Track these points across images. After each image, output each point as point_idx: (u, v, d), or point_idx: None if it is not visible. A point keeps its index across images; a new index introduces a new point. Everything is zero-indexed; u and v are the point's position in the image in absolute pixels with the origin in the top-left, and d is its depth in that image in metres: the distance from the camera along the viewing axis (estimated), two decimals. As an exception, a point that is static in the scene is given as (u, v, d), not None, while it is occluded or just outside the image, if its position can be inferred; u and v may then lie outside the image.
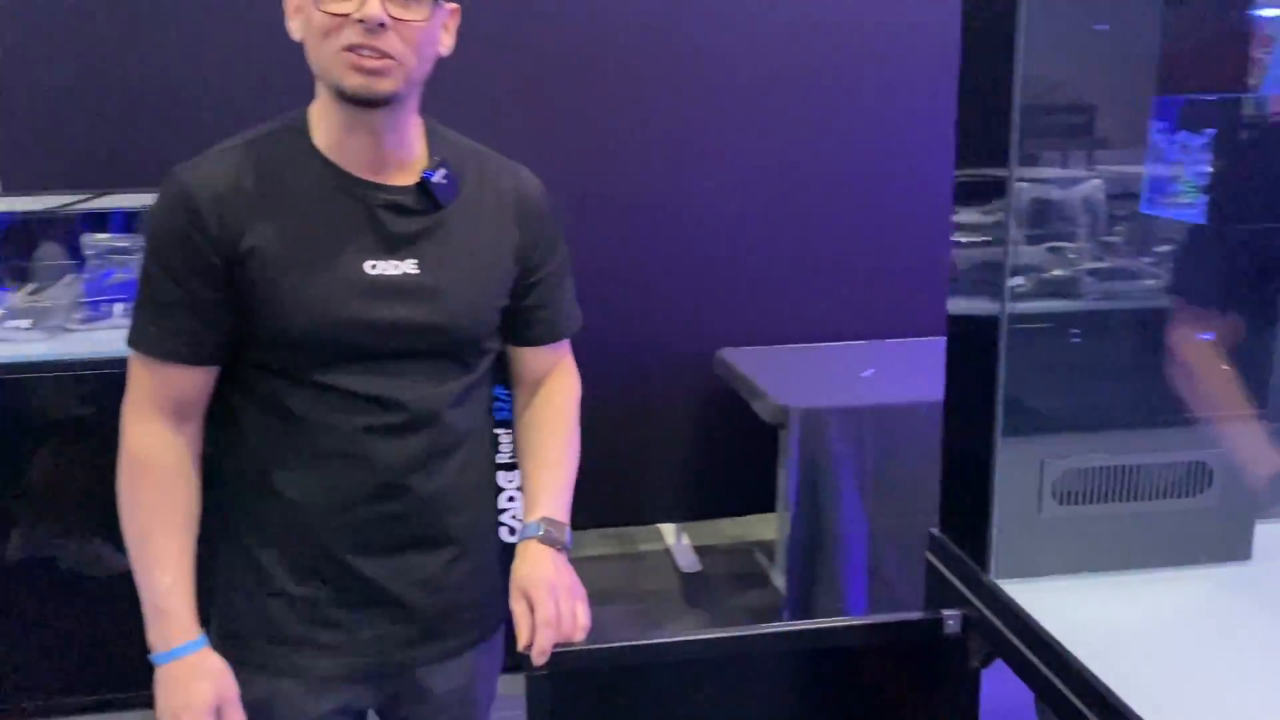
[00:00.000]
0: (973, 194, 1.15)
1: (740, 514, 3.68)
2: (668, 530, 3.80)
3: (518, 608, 1.17)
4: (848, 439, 2.81)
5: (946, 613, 1.22)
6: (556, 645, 1.14)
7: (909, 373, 3.16)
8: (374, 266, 1.19)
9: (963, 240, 1.18)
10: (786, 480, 2.96)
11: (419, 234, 1.21)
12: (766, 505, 3.53)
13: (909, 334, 3.52)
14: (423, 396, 1.22)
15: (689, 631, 1.18)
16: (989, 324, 1.11)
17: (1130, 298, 1.15)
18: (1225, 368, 1.16)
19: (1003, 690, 1.31)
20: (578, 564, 1.26)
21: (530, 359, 1.37)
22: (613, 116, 3.19)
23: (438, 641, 1.30)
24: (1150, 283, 1.14)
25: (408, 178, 1.21)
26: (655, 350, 3.35)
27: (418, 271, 1.20)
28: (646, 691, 1.19)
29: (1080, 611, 1.09)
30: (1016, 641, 1.09)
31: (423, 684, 1.31)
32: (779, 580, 3.38)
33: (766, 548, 3.64)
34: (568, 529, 1.26)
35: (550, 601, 1.15)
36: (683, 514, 3.65)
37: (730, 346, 3.35)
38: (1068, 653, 1.01)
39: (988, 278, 1.11)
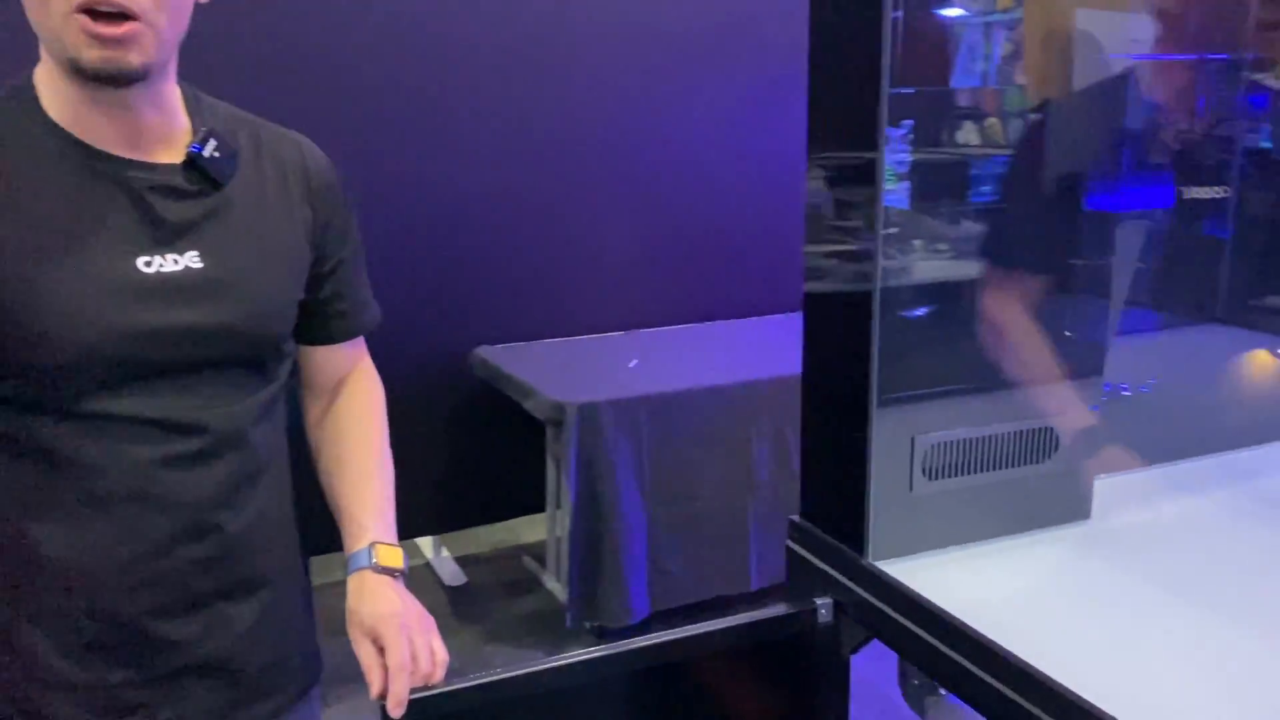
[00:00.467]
0: (834, 173, 1.11)
1: (502, 519, 3.55)
2: (425, 544, 3.61)
3: (363, 651, 1.01)
4: (625, 431, 2.77)
5: (819, 601, 1.18)
6: (413, 690, 1.00)
7: (674, 360, 3.18)
8: (148, 263, 0.97)
9: (822, 218, 1.14)
10: (561, 478, 2.88)
11: (198, 220, 1.01)
12: (530, 507, 3.43)
13: (663, 323, 3.54)
14: (224, 415, 1.02)
15: (555, 657, 1.07)
16: (860, 304, 1.08)
17: (967, 271, 1.15)
18: (1034, 332, 1.19)
19: (860, 673, 1.30)
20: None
21: (326, 360, 1.19)
22: (356, 105, 2.97)
23: (262, 702, 1.11)
24: (972, 259, 1.15)
25: (172, 154, 1.01)
26: (402, 351, 3.15)
27: (201, 265, 1.00)
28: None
29: (955, 583, 1.08)
30: (903, 620, 1.07)
31: None
32: (552, 584, 3.29)
33: (533, 551, 3.54)
34: (402, 552, 1.11)
35: (403, 640, 1.00)
36: (441, 525, 3.47)
37: (485, 345, 3.22)
38: (960, 622, 0.99)
39: (858, 255, 1.08)
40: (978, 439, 1.15)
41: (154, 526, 0.99)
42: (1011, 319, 1.18)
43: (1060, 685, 0.88)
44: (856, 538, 1.13)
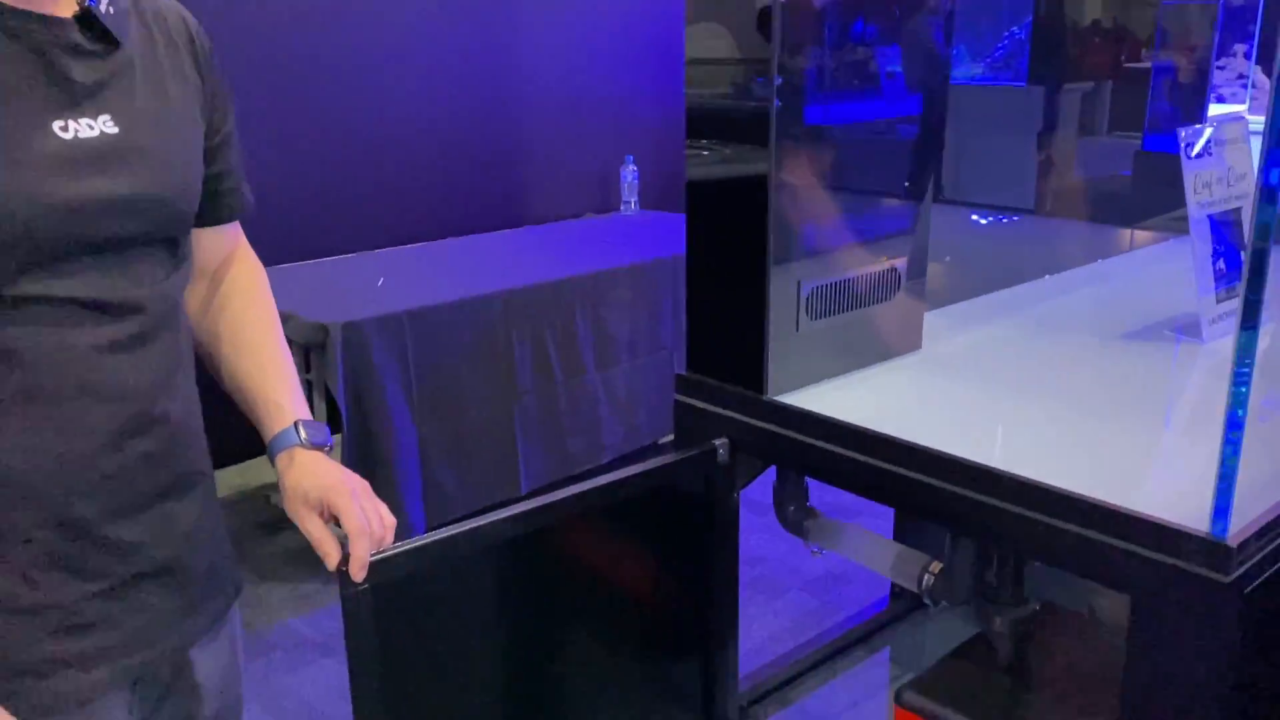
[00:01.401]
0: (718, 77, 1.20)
1: (238, 461, 3.37)
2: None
3: (313, 525, 1.00)
4: (390, 349, 2.72)
5: (717, 442, 1.29)
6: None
7: (421, 276, 3.14)
8: (65, 127, 0.88)
9: (709, 115, 1.23)
10: (321, 404, 2.78)
11: (106, 81, 0.91)
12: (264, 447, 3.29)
13: (412, 240, 3.50)
14: (157, 295, 0.95)
15: (495, 512, 1.11)
16: (757, 184, 1.18)
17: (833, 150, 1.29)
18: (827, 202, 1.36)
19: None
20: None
21: (213, 242, 1.11)
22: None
23: (205, 607, 1.05)
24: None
25: (63, 7, 0.91)
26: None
27: (116, 130, 0.91)
28: (462, 582, 1.10)
29: (834, 405, 1.22)
30: (804, 438, 1.20)
31: (193, 669, 1.06)
32: (311, 516, 3.19)
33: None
34: (326, 429, 1.09)
35: (356, 506, 1.00)
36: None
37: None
38: (861, 428, 1.15)
39: (754, 112, 1.18)
40: (845, 280, 1.30)
41: (101, 420, 0.90)
42: (861, 188, 1.34)
43: (946, 453, 1.07)
44: (755, 378, 1.25)
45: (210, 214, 1.08)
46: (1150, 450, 1.13)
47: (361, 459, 2.74)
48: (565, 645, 1.23)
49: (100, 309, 0.90)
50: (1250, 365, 0.82)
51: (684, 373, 1.34)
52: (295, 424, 1.06)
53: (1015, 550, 1.21)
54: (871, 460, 1.15)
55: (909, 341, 1.41)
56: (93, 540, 0.92)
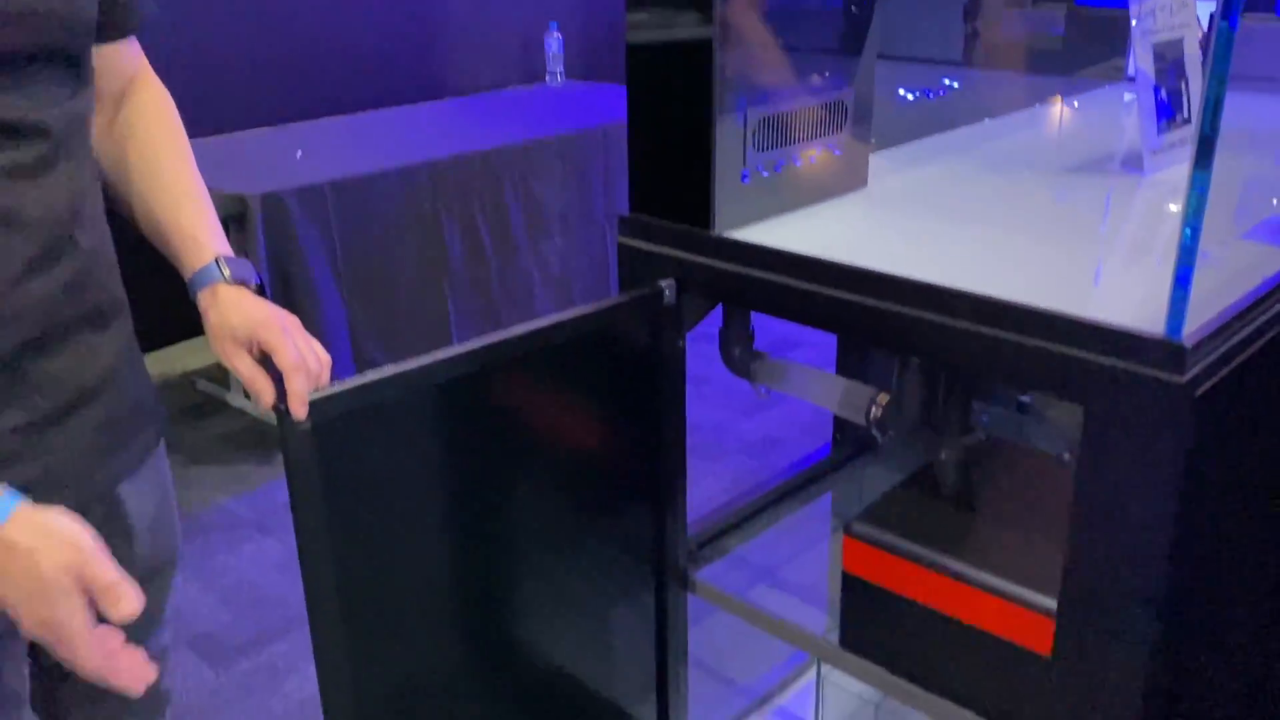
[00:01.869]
0: None
1: (161, 347, 3.26)
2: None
3: (242, 363, 0.96)
4: (313, 223, 2.63)
5: (663, 283, 1.26)
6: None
7: (342, 148, 3.02)
8: None
9: None
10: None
11: None
12: (189, 330, 3.19)
13: (335, 113, 3.35)
14: (61, 115, 0.88)
15: (437, 352, 1.07)
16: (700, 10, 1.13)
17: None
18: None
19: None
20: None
21: (114, 59, 1.03)
22: None
23: (134, 442, 1.01)
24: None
25: None
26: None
27: None
28: (405, 424, 1.07)
29: (781, 240, 1.19)
30: (755, 272, 1.18)
31: (122, 508, 1.02)
32: (239, 401, 3.12)
33: (206, 374, 3.30)
34: (250, 265, 1.04)
35: (289, 342, 0.96)
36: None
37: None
38: (809, 257, 1.13)
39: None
40: (791, 112, 1.26)
41: (13, 249, 0.83)
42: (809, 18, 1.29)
43: (896, 274, 1.06)
44: (702, 213, 1.21)
45: (109, 25, 0.99)
46: (1099, 267, 1.13)
47: (289, 337, 2.66)
48: (512, 492, 1.21)
49: (2, 131, 0.83)
50: (1211, 152, 0.81)
51: (627, 214, 1.29)
52: (216, 260, 1.00)
53: (969, 368, 1.21)
54: (821, 289, 1.13)
55: (855, 179, 1.38)
56: (12, 373, 0.87)
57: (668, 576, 1.41)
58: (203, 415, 3.11)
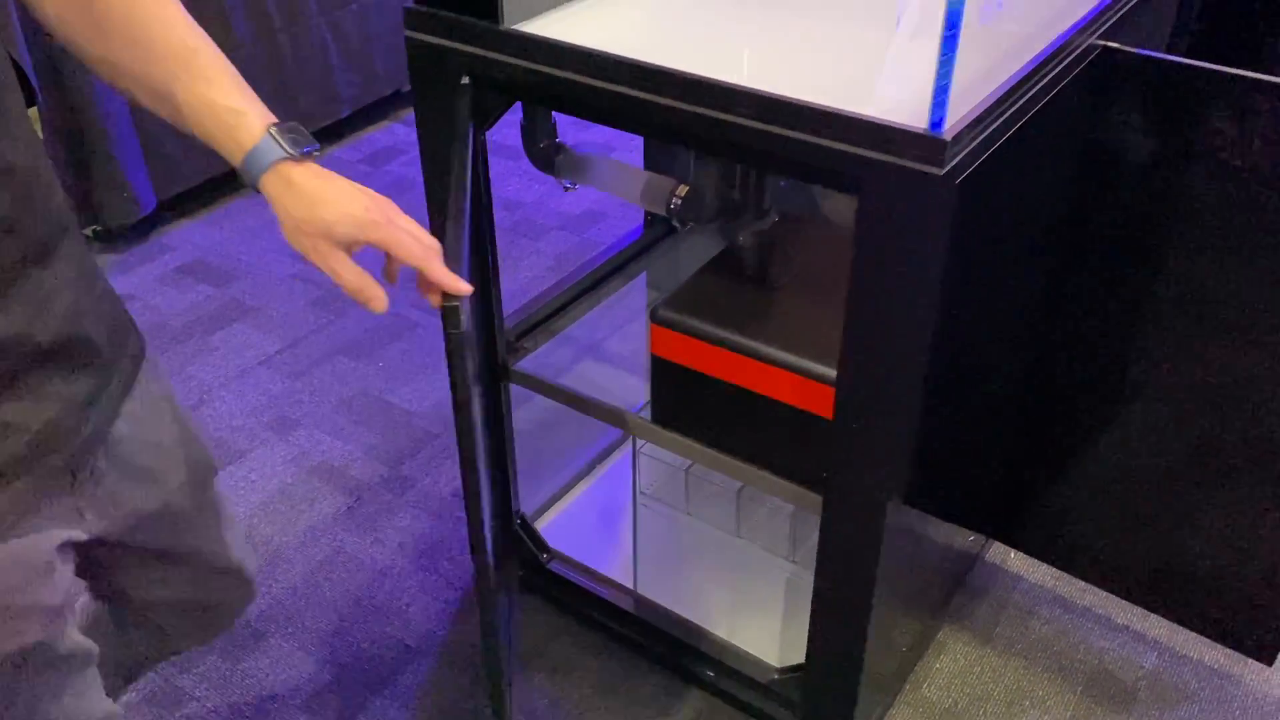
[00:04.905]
0: None
1: None
2: None
3: (345, 270, 0.84)
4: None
5: (464, 82, 1.23)
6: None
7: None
8: None
9: None
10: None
11: None
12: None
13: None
14: None
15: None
16: None
17: None
18: None
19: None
20: None
21: None
22: None
23: (118, 372, 0.90)
24: None
25: None
26: None
27: None
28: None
29: (571, 33, 1.17)
30: (547, 69, 1.16)
31: (131, 444, 0.93)
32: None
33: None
34: (300, 126, 0.86)
35: (403, 234, 0.86)
36: None
37: None
38: (601, 53, 1.11)
39: None
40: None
41: None
42: None
43: (684, 72, 1.06)
44: (490, 5, 1.17)
45: None
46: (876, 60, 1.17)
47: (67, 135, 2.46)
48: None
49: None
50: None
51: (412, 4, 1.23)
52: (269, 130, 0.82)
53: (754, 164, 1.25)
54: (613, 86, 1.12)
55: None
56: None
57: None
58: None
